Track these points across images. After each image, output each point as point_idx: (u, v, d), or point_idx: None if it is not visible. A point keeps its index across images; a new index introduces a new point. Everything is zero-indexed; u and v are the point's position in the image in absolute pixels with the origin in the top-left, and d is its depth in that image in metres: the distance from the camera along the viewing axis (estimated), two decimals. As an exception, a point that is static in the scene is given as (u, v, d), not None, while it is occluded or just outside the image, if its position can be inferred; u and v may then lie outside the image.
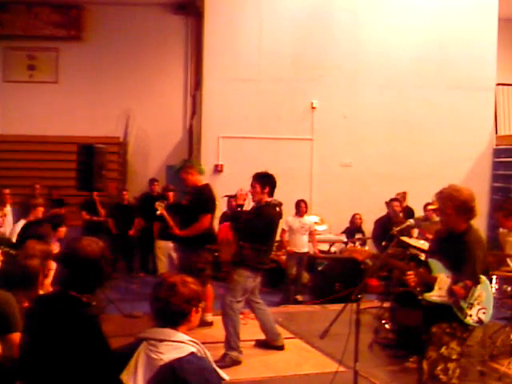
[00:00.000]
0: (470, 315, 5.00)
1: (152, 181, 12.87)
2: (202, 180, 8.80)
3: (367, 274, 9.27)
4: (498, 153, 13.61)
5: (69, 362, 3.31)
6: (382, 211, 11.33)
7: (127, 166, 15.87)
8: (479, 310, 5.03)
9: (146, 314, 8.92)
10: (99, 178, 10.12)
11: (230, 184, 11.91)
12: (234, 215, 7.42)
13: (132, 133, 15.77)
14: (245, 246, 7.14)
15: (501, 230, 8.43)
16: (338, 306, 8.73)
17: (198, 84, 14.93)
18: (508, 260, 7.98)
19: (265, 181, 7.20)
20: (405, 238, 8.33)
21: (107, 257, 3.61)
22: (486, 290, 5.14)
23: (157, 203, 9.21)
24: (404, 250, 8.14)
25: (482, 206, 12.68)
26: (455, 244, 5.05)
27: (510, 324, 7.54)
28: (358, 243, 11.64)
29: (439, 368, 4.95)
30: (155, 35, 15.67)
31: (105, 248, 3.63)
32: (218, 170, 12.88)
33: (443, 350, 4.96)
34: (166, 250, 10.78)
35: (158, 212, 9.08)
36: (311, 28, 13.03)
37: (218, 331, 7.71)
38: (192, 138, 15.49)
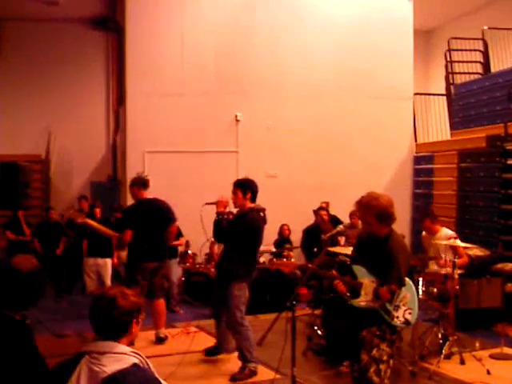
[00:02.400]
0: (397, 317, 5.16)
1: (80, 198, 12.70)
2: (145, 194, 8.80)
3: (297, 284, 9.37)
4: (417, 160, 13.99)
5: (7, 381, 3.26)
6: (309, 220, 11.49)
7: (50, 183, 15.59)
8: (405, 310, 5.19)
9: (75, 333, 8.82)
10: (24, 196, 9.96)
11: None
12: (216, 224, 7.14)
13: (54, 150, 15.49)
14: (235, 258, 7.04)
15: (423, 233, 8.71)
16: (269, 316, 8.89)
17: (119, 99, 14.83)
18: (432, 262, 8.26)
19: (246, 187, 7.09)
20: (332, 248, 8.50)
21: (40, 274, 3.58)
22: (411, 291, 5.30)
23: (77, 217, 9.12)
24: (332, 258, 8.31)
25: (404, 211, 13.08)
26: (378, 249, 5.17)
27: (436, 325, 7.80)
28: (286, 253, 11.70)
29: (372, 370, 5.04)
30: (75, 51, 15.47)
31: (37, 265, 3.61)
32: (143, 184, 12.75)
33: (374, 352, 5.07)
34: (94, 267, 10.62)
35: (80, 220, 8.99)
36: (233, 41, 13.11)
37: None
38: (116, 154, 15.35)
